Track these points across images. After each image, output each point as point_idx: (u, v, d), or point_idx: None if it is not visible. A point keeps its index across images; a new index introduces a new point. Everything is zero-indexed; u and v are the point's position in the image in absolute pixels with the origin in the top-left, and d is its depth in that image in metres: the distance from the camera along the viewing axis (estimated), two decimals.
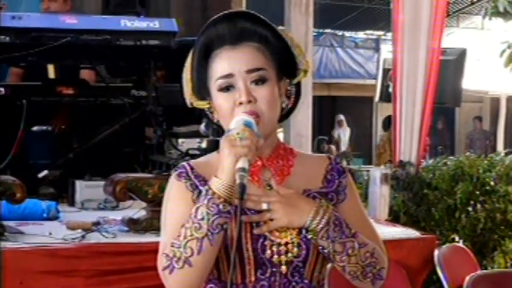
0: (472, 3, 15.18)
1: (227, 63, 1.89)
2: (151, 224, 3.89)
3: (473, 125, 16.85)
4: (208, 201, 1.78)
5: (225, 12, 1.94)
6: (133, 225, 3.95)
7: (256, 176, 1.92)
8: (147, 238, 3.81)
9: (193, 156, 4.68)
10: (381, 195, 5.00)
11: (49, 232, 3.80)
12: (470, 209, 5.40)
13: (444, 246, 4.62)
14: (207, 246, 1.77)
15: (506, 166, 5.69)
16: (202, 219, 1.77)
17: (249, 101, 1.86)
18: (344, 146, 16.90)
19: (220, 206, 1.77)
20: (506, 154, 6.31)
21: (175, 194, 1.92)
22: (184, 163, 1.99)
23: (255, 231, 1.85)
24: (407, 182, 5.47)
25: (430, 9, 5.52)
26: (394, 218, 5.18)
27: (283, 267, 1.88)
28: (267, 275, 1.88)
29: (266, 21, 1.96)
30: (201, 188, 1.88)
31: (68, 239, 3.70)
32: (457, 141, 18.70)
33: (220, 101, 1.90)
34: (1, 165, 4.53)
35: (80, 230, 3.87)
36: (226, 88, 1.89)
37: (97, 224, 4.02)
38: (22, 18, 4.80)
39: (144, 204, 4.06)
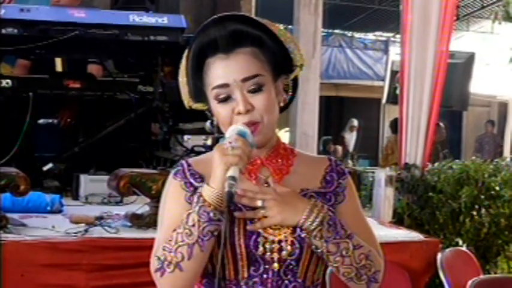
0: (483, 7, 15.13)
1: (222, 72, 1.89)
2: (155, 220, 3.84)
3: (485, 129, 16.77)
4: (200, 208, 1.80)
5: (215, 16, 1.92)
6: (136, 220, 3.95)
7: (254, 174, 1.94)
8: (150, 234, 3.80)
9: (199, 153, 4.69)
10: (386, 197, 4.99)
11: (52, 225, 3.80)
12: (474, 213, 5.38)
13: (447, 250, 4.60)
14: (197, 252, 1.79)
15: (511, 171, 5.67)
16: (193, 225, 1.79)
17: (247, 111, 1.87)
18: (350, 148, 16.90)
19: (211, 214, 1.79)
20: None
21: (171, 193, 1.94)
22: (183, 161, 2.00)
23: (248, 228, 1.86)
24: (412, 185, 5.46)
25: (439, 12, 5.51)
26: (398, 220, 5.17)
27: (275, 265, 1.88)
28: (260, 272, 1.88)
29: (258, 21, 1.94)
30: (196, 185, 1.91)
31: (70, 233, 3.71)
32: (463, 145, 18.65)
33: (219, 110, 1.91)
34: (6, 157, 4.53)
35: (83, 224, 3.88)
36: (224, 99, 1.89)
37: (100, 218, 4.02)
38: (30, 10, 4.81)
39: (147, 199, 4.06)
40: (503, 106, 17.62)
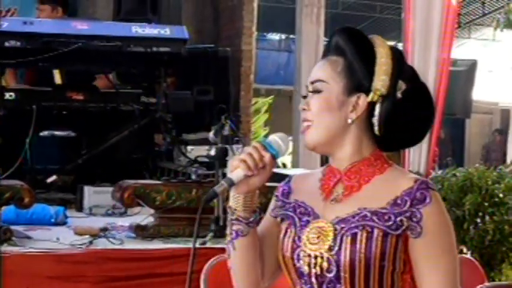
0: (484, 15, 15.14)
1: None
2: (159, 231, 3.90)
3: (492, 137, 16.75)
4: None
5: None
6: (140, 231, 3.95)
7: (327, 189, 1.94)
8: (155, 245, 3.81)
9: (202, 164, 4.69)
10: None
11: (56, 237, 3.80)
12: (478, 220, 5.36)
13: None
14: (231, 250, 1.93)
15: None
16: (227, 226, 1.94)
17: (303, 109, 1.94)
18: None
19: (230, 214, 1.90)
20: None
21: None
22: (294, 174, 2.09)
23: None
24: None
25: (441, 20, 5.50)
26: None
27: (313, 280, 1.88)
28: (308, 286, 1.90)
29: (357, 35, 1.96)
30: (280, 198, 2.00)
31: (75, 245, 3.71)
32: (466, 152, 18.62)
33: None
34: (10, 170, 4.54)
35: (87, 236, 3.88)
36: (304, 97, 1.98)
37: (105, 230, 4.02)
38: (33, 23, 4.84)
39: (152, 210, 4.07)
40: (505, 113, 17.63)
